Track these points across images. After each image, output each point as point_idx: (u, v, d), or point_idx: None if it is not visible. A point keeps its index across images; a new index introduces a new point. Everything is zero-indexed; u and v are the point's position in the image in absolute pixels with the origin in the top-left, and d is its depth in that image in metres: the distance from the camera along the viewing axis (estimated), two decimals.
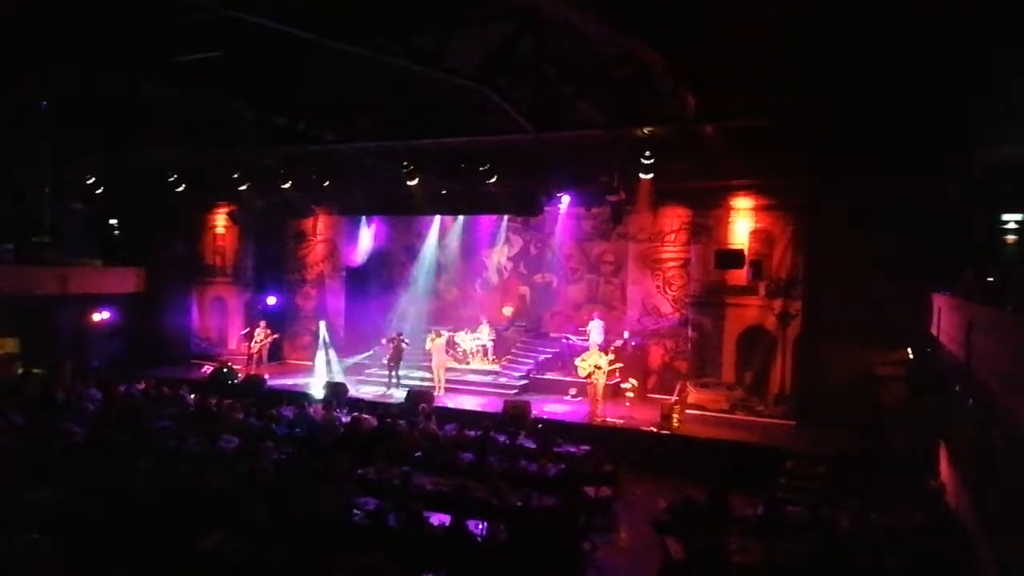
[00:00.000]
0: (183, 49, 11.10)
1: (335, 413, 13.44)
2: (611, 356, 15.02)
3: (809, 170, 14.26)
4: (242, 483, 9.20)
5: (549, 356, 18.07)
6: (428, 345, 17.13)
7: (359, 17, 9.15)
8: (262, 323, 19.32)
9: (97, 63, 11.64)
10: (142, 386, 15.15)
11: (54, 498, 8.41)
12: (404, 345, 17.33)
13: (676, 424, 13.95)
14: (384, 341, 17.89)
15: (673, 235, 17.08)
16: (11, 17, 10.16)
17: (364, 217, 20.37)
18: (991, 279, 9.45)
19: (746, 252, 15.09)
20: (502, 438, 12.09)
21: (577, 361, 15.42)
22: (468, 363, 18.30)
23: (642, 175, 14.35)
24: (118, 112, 14.71)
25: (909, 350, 13.59)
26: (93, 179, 19.50)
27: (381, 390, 17.04)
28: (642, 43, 9.37)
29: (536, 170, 15.85)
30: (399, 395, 15.95)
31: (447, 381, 17.04)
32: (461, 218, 20.07)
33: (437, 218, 20.12)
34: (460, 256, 20.58)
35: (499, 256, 20.23)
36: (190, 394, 14.74)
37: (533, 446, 11.82)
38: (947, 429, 11.17)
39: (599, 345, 15.99)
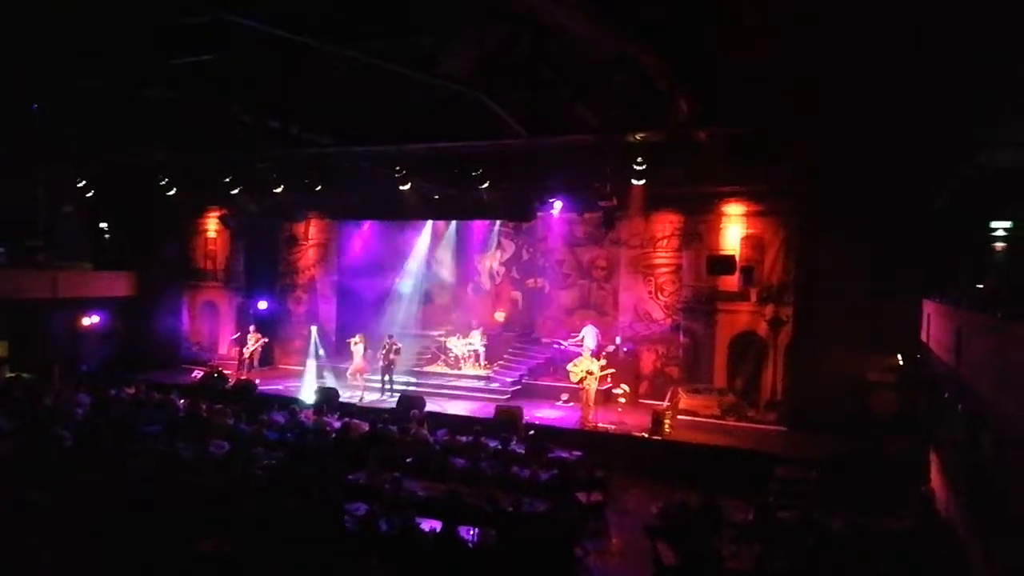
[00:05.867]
0: (178, 51, 11.06)
1: (326, 418, 13.39)
2: (603, 362, 15.02)
3: (801, 176, 14.33)
4: (233, 488, 9.14)
5: (541, 361, 18.05)
6: (352, 347, 17.24)
7: (353, 20, 9.14)
8: (251, 328, 19.24)
9: (91, 65, 11.59)
10: (132, 391, 15.00)
11: (45, 503, 8.34)
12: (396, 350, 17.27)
13: (668, 430, 13.96)
14: (382, 351, 17.33)
15: (665, 241, 17.12)
16: (5, 17, 10.10)
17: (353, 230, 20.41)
18: (981, 285, 9.53)
19: (738, 258, 15.14)
20: (494, 443, 12.04)
21: (569, 367, 15.40)
22: (460, 368, 18.25)
23: (634, 181, 14.35)
24: (110, 114, 14.63)
25: (900, 356, 13.67)
26: (84, 182, 19.40)
27: (374, 396, 16.95)
28: (638, 46, 9.39)
29: (529, 175, 15.81)
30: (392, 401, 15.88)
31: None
32: (453, 223, 20.06)
33: (429, 223, 20.11)
34: (452, 261, 20.57)
35: (491, 261, 20.23)
36: (180, 399, 14.61)
37: (525, 452, 11.80)
38: (937, 434, 11.22)
39: (591, 351, 16.00)
